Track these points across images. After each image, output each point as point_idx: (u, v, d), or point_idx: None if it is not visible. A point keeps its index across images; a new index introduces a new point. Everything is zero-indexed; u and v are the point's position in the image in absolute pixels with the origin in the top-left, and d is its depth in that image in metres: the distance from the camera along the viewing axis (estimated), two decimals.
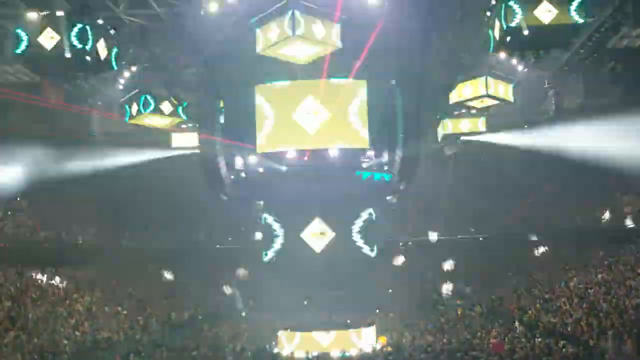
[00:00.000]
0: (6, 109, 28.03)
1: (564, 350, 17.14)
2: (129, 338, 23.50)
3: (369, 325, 23.88)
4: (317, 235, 23.57)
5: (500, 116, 26.69)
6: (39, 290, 24.58)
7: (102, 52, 16.93)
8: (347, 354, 21.37)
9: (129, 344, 22.47)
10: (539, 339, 19.26)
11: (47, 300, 23.89)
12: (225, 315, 31.41)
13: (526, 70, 22.64)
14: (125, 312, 25.97)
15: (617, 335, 16.88)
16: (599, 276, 23.29)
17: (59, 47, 15.90)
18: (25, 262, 25.84)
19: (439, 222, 33.39)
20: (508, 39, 15.66)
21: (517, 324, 22.91)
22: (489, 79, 21.07)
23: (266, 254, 24.61)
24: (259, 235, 28.14)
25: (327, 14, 16.89)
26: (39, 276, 26.00)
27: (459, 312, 29.80)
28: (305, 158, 23.44)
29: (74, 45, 15.90)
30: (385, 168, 23.51)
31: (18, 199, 30.05)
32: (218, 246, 35.45)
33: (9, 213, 29.75)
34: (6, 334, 19.41)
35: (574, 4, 14.59)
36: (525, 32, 15.19)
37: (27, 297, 23.28)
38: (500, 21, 15.64)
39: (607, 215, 29.46)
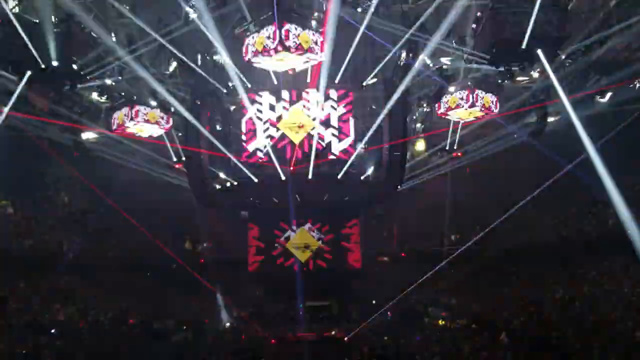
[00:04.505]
0: None
1: None
2: None
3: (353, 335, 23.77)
4: (301, 248, 23.40)
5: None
6: (22, 299, 24.30)
7: None
8: None
9: None
10: (524, 352, 19.31)
11: (30, 308, 23.63)
12: (209, 324, 31.16)
13: (511, 82, 22.71)
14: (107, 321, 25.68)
15: (602, 348, 16.94)
16: (585, 288, 23.34)
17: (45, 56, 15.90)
18: (7, 271, 25.47)
19: (424, 233, 33.27)
20: (494, 50, 15.79)
21: (502, 336, 22.90)
22: (475, 90, 21.16)
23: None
24: None
25: (315, 25, 16.96)
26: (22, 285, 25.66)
27: (443, 324, 29.73)
28: (291, 168, 23.34)
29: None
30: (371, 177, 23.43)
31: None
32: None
33: None
34: None
35: None
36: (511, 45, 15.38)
37: (10, 305, 23.03)
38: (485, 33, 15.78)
39: None
